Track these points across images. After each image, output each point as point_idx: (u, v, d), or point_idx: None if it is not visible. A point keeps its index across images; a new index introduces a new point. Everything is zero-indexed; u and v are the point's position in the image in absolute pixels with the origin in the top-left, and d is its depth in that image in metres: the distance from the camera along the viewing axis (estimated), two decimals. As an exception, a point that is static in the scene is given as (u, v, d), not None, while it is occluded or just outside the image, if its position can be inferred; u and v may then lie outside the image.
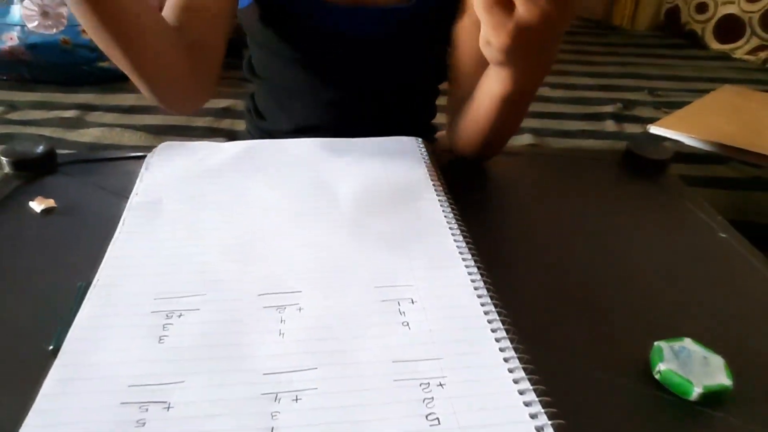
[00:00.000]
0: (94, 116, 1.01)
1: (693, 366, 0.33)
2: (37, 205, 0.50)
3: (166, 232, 0.44)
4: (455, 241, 0.42)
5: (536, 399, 0.29)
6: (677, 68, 1.42)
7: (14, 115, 1.01)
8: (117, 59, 0.48)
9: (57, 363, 0.31)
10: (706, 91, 1.24)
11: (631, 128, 1.09)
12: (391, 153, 0.56)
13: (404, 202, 0.47)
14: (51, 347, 0.33)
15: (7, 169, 0.57)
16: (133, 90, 1.11)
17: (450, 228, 0.44)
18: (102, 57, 1.13)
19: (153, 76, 0.52)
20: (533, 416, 0.28)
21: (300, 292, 0.37)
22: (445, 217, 0.45)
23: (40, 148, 0.58)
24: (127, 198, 0.49)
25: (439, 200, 0.48)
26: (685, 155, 0.98)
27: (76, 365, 0.31)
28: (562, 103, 1.19)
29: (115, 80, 1.16)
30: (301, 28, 0.59)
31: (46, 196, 0.51)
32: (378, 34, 0.59)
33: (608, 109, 1.16)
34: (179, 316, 0.35)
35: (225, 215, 0.45)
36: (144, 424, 0.27)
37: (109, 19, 0.44)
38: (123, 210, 0.47)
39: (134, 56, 0.48)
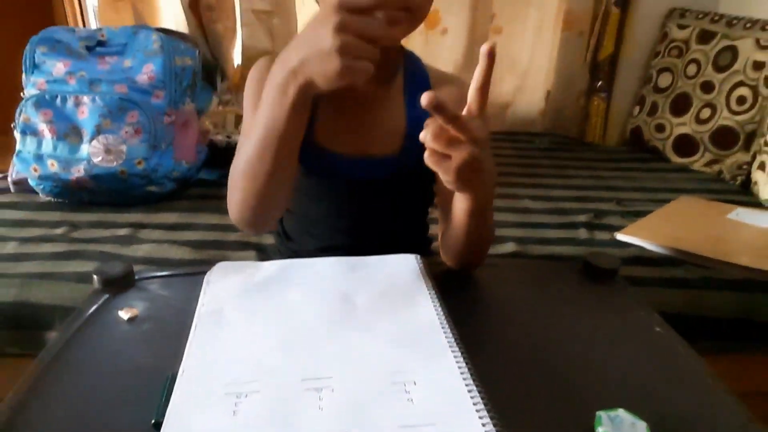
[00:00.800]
0: (143, 233, 1.19)
1: (624, 430, 0.46)
2: (124, 314, 0.66)
3: (229, 334, 0.59)
4: (446, 337, 0.57)
5: None
6: (643, 180, 1.62)
7: (76, 234, 1.18)
8: (257, 181, 0.65)
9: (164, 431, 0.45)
10: (668, 201, 1.42)
11: (601, 235, 1.25)
12: (395, 268, 0.72)
13: (406, 308, 0.62)
14: (153, 421, 0.47)
15: (96, 286, 0.73)
16: (176, 209, 1.31)
17: (442, 327, 0.59)
18: (151, 182, 1.33)
19: (267, 203, 0.68)
20: None
21: (332, 377, 0.51)
22: (438, 318, 0.60)
23: (121, 268, 0.74)
24: (193, 307, 0.64)
25: (433, 305, 0.63)
26: (645, 259, 1.13)
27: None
28: (542, 214, 1.37)
29: (159, 201, 1.36)
30: (317, 173, 0.78)
31: (129, 306, 0.67)
32: (376, 177, 0.78)
33: (581, 218, 1.33)
34: (245, 396, 0.49)
35: (272, 320, 0.60)
36: None
37: (285, 143, 0.61)
38: (191, 317, 0.62)
39: (276, 173, 0.64)
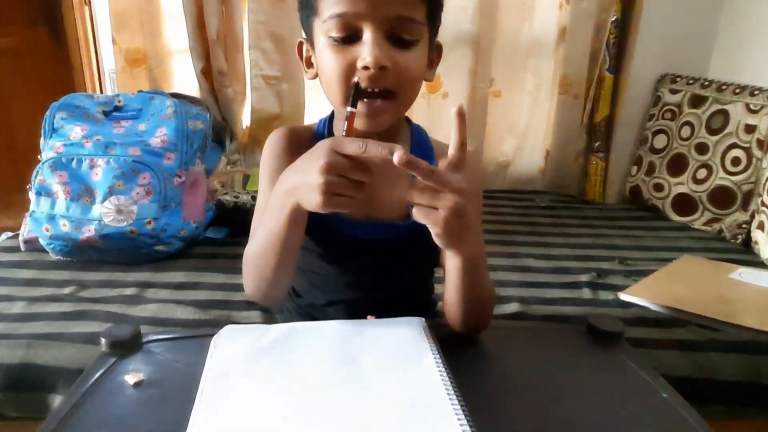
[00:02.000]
0: (150, 293, 1.20)
1: None
2: (130, 378, 0.66)
3: (235, 401, 0.59)
4: (451, 403, 0.57)
5: None
6: (643, 239, 1.64)
7: (84, 293, 1.20)
8: (264, 271, 0.74)
9: None
10: (670, 259, 1.43)
11: (605, 295, 1.26)
12: (401, 331, 0.73)
13: (411, 372, 0.63)
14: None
15: (104, 349, 0.74)
16: (182, 268, 1.33)
17: (447, 392, 0.59)
18: (159, 242, 1.36)
19: (275, 285, 0.76)
20: None
21: None
22: (443, 382, 0.61)
23: (128, 331, 0.75)
24: (199, 371, 0.65)
25: (438, 370, 0.63)
26: (649, 320, 1.13)
27: None
28: (545, 273, 1.38)
29: (167, 260, 1.38)
30: (327, 234, 0.81)
31: (135, 370, 0.68)
32: (384, 239, 0.80)
33: (584, 278, 1.34)
34: None
35: (278, 386, 0.60)
36: None
37: (290, 242, 0.69)
38: (197, 381, 0.63)
39: (281, 266, 0.72)
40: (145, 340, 0.76)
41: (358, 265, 0.83)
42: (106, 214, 1.30)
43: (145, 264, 1.33)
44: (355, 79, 0.62)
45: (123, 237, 1.31)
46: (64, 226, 1.31)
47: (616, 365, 0.72)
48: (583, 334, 0.80)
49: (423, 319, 0.75)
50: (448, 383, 0.60)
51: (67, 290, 1.19)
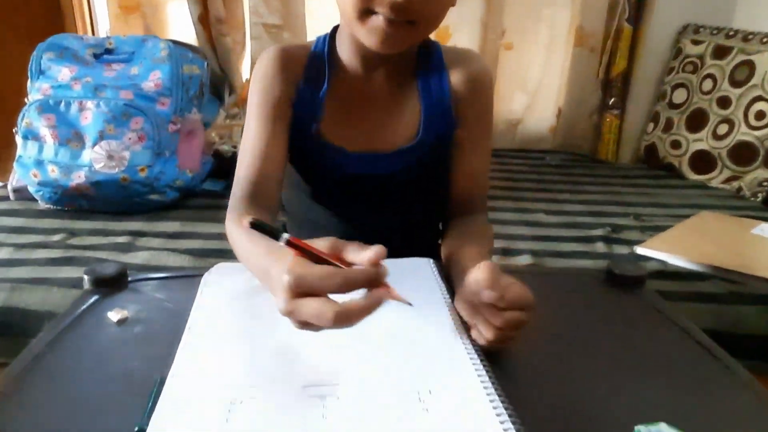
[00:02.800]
0: (142, 241, 1.15)
1: None
2: (114, 315, 0.61)
3: (225, 339, 0.54)
4: (464, 345, 0.52)
5: None
6: (659, 196, 1.57)
7: (74, 241, 1.14)
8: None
9: None
10: (686, 216, 1.37)
11: (619, 249, 1.20)
12: (408, 272, 0.67)
13: (420, 314, 0.57)
14: (136, 429, 0.42)
15: (87, 286, 0.68)
16: (177, 218, 1.27)
17: (459, 335, 0.53)
18: (153, 191, 1.30)
19: None
20: None
21: (337, 385, 0.46)
22: (454, 325, 0.55)
23: (114, 268, 0.70)
24: (187, 310, 0.60)
25: (449, 312, 0.58)
26: (668, 273, 1.07)
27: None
28: (557, 228, 1.32)
29: (161, 210, 1.32)
30: (323, 171, 0.74)
31: (120, 308, 0.62)
32: (387, 171, 0.73)
33: (598, 232, 1.28)
34: (240, 403, 0.44)
35: (273, 324, 0.55)
36: None
37: None
38: (185, 319, 0.57)
39: None
40: (131, 279, 0.70)
41: (360, 207, 0.77)
42: (96, 159, 1.23)
43: (138, 214, 1.28)
44: (250, 220, 0.44)
45: (115, 184, 1.24)
46: (53, 172, 1.25)
47: (641, 311, 0.66)
48: (603, 282, 0.74)
49: (432, 259, 0.69)
50: (460, 326, 0.54)
51: (56, 238, 1.14)
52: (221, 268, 0.71)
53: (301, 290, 0.40)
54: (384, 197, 0.76)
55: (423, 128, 0.71)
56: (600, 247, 1.21)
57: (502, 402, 0.42)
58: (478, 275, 0.51)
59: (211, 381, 0.47)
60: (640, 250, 1.16)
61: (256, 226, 0.43)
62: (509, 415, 0.41)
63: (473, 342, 0.51)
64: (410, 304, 0.42)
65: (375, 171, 0.73)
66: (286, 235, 0.43)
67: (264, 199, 0.68)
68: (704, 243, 1.18)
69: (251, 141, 0.68)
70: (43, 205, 1.32)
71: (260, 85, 0.69)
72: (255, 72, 0.70)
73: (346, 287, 0.40)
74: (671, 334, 0.61)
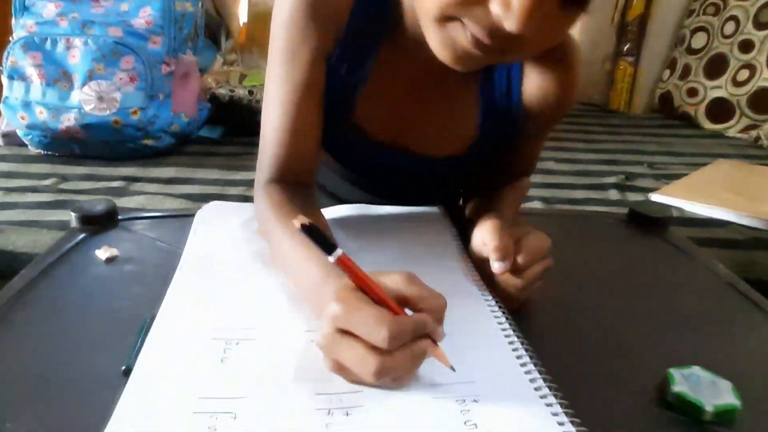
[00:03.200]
0: (137, 186, 1.10)
1: (703, 389, 0.37)
2: (102, 253, 0.57)
3: (219, 278, 0.49)
4: (478, 288, 0.48)
5: (565, 417, 0.32)
6: (674, 146, 1.51)
7: (65, 185, 1.10)
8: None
9: (133, 378, 0.36)
10: (702, 165, 1.31)
11: (633, 197, 1.15)
12: (418, 218, 0.62)
13: (431, 257, 0.52)
14: (123, 368, 0.38)
15: (74, 223, 0.64)
16: (173, 164, 1.22)
17: (472, 278, 0.49)
18: (147, 135, 1.24)
19: None
20: (561, 423, 0.31)
21: None
22: (467, 269, 0.51)
23: (103, 206, 0.66)
24: (181, 249, 0.55)
25: (460, 255, 0.53)
26: (685, 220, 1.03)
27: (150, 379, 0.35)
28: (568, 176, 1.27)
29: (157, 155, 1.26)
30: (353, 156, 0.63)
31: (108, 246, 0.58)
32: (428, 177, 0.63)
33: (611, 180, 1.23)
34: (236, 344, 0.40)
35: (270, 269, 0.50)
36: (215, 429, 0.31)
37: None
38: (178, 259, 0.53)
39: None
40: (121, 217, 0.66)
41: (381, 182, 0.68)
42: (86, 101, 1.17)
43: (132, 159, 1.22)
44: (304, 223, 0.36)
45: (106, 128, 1.19)
46: (41, 114, 1.19)
47: (668, 252, 0.62)
48: (626, 224, 0.70)
49: (441, 207, 0.64)
50: (480, 283, 0.49)
51: (47, 182, 1.09)
52: (216, 206, 0.67)
53: (346, 327, 0.33)
54: (420, 186, 0.69)
55: (480, 136, 0.57)
56: (613, 194, 1.16)
57: (522, 343, 0.39)
58: (484, 237, 0.46)
59: (205, 320, 0.43)
60: (655, 197, 1.12)
61: (309, 230, 0.35)
62: (539, 372, 0.37)
63: (494, 296, 0.47)
64: (453, 369, 0.35)
65: (413, 171, 0.62)
66: (339, 252, 0.35)
67: (300, 178, 0.55)
68: (722, 190, 1.13)
69: (279, 112, 0.52)
70: (33, 150, 1.26)
71: (288, 34, 0.50)
72: (279, 16, 0.51)
73: (391, 341, 0.32)
74: (701, 276, 0.57)
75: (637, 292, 0.53)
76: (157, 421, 0.32)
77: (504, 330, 0.41)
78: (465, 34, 0.39)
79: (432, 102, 0.55)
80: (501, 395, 0.34)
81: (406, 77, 0.53)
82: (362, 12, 0.50)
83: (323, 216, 0.54)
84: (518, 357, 0.38)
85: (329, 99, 0.53)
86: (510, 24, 0.36)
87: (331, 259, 0.35)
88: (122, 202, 1.00)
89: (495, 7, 0.36)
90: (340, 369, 0.35)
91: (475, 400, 0.34)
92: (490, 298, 0.46)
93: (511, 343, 0.40)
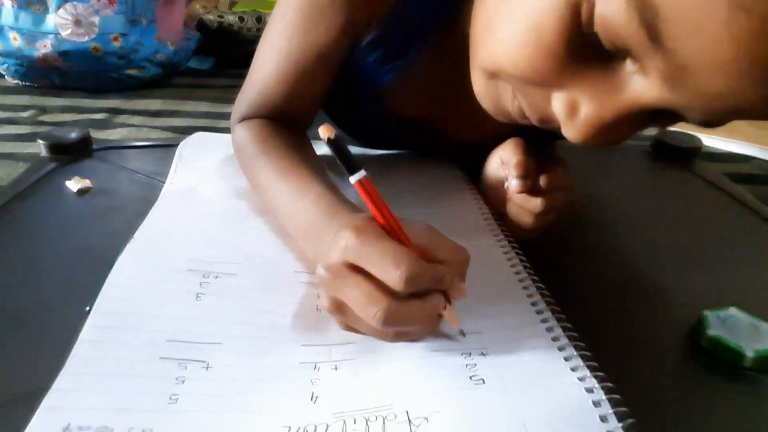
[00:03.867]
0: (121, 119, 1.04)
1: (741, 332, 0.33)
2: (73, 185, 0.52)
3: (201, 211, 0.44)
4: (484, 218, 0.43)
5: (582, 364, 0.28)
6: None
7: (45, 118, 1.03)
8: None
9: (94, 313, 0.31)
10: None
11: (649, 131, 1.08)
12: (423, 160, 0.56)
13: (441, 203, 0.47)
14: (87, 308, 0.34)
15: (44, 153, 0.58)
16: (160, 96, 1.15)
17: (484, 216, 0.44)
18: (130, 64, 1.16)
19: None
20: (581, 379, 0.27)
21: None
22: (482, 213, 0.45)
23: (76, 134, 0.60)
24: (161, 182, 0.50)
25: (472, 196, 0.48)
26: (705, 155, 0.97)
27: (113, 316, 0.31)
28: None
29: (143, 87, 1.19)
30: (370, 131, 0.55)
31: (80, 177, 0.53)
32: (460, 152, 0.55)
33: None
34: (216, 278, 0.35)
35: (258, 204, 0.44)
36: (184, 381, 0.27)
37: None
38: (157, 192, 0.48)
39: None
40: (96, 147, 0.60)
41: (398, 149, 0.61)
42: (62, 25, 1.08)
43: (116, 91, 1.15)
44: (330, 136, 0.29)
45: (86, 56, 1.10)
46: (15, 41, 1.10)
47: (698, 187, 0.57)
48: (651, 155, 0.64)
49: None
50: (487, 210, 0.44)
51: (25, 114, 1.03)
52: (201, 138, 0.61)
53: (357, 261, 0.28)
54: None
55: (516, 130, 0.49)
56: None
57: (547, 302, 0.33)
58: (503, 155, 0.40)
59: (181, 251, 0.38)
60: (672, 130, 1.05)
61: (335, 144, 0.28)
62: (557, 319, 0.32)
63: (504, 230, 0.41)
64: (463, 334, 0.29)
65: (438, 151, 0.55)
66: (363, 173, 0.29)
67: (294, 118, 0.48)
68: (744, 123, 1.06)
69: (279, 60, 0.45)
70: (10, 80, 1.19)
71: None
72: None
73: (408, 281, 0.27)
74: (734, 212, 0.52)
75: (666, 229, 0.48)
76: (120, 364, 0.28)
77: (517, 273, 0.36)
78: (512, 102, 0.31)
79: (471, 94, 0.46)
80: (512, 347, 0.30)
81: (450, 69, 0.44)
82: (413, 3, 0.42)
83: (316, 156, 0.47)
84: (533, 303, 0.33)
85: (353, 76, 0.46)
86: (569, 132, 0.28)
87: (353, 179, 0.29)
88: (104, 135, 0.94)
89: (557, 105, 0.28)
90: (339, 310, 0.30)
91: (482, 353, 0.29)
92: (502, 236, 0.41)
93: (525, 288, 0.35)
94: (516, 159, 0.39)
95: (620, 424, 0.24)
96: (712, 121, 0.25)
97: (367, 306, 0.28)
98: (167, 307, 0.32)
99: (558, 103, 0.27)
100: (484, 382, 0.27)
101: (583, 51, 0.25)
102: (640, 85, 0.24)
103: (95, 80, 1.15)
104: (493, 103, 0.34)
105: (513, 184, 0.39)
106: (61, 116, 1.03)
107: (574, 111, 0.27)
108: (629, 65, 0.25)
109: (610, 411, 0.25)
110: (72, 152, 0.58)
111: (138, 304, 0.32)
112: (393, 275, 0.27)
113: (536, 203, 0.39)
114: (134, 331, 0.30)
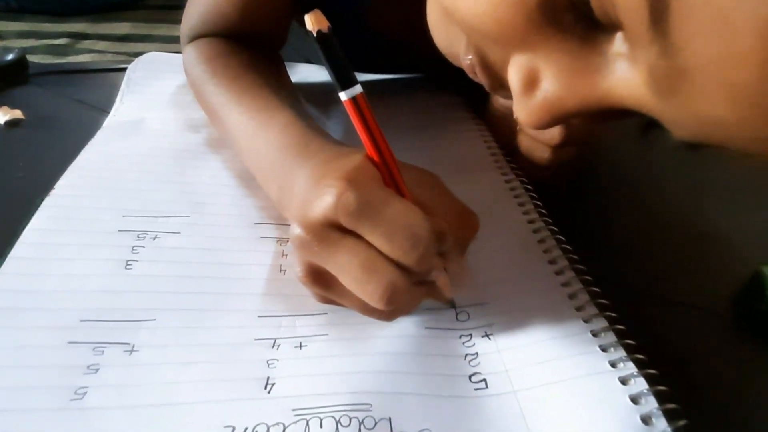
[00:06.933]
0: (85, 44, 0.93)
1: None
2: (2, 115, 0.44)
3: (145, 149, 0.36)
4: (502, 174, 0.35)
5: (614, 340, 0.21)
6: None
7: (1, 44, 0.93)
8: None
9: (1, 276, 0.25)
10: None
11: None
12: (421, 87, 0.48)
13: (443, 136, 0.40)
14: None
15: (-29, 77, 0.50)
16: (129, 19, 1.04)
17: (493, 155, 0.37)
18: (93, -18, 1.04)
19: None
20: (614, 364, 0.20)
21: None
22: (489, 148, 0.38)
23: (10, 56, 0.51)
24: (105, 112, 0.42)
25: (480, 133, 0.41)
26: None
27: (14, 290, 0.24)
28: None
29: (109, 10, 1.07)
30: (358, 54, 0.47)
31: (13, 107, 0.45)
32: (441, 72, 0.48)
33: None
34: (153, 239, 0.28)
35: (219, 137, 0.38)
36: (97, 370, 0.21)
37: None
38: (99, 124, 0.40)
39: None
40: (33, 71, 0.52)
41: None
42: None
43: (79, 15, 1.04)
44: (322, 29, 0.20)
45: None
46: (-41, -45, 0.98)
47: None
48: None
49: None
50: (494, 145, 0.37)
51: (-22, 41, 0.93)
52: (153, 59, 0.52)
53: (356, 222, 0.21)
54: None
55: None
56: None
57: (569, 259, 0.26)
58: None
59: (112, 204, 0.30)
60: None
61: (325, 41, 0.21)
62: (583, 284, 0.25)
63: (514, 168, 0.34)
64: (453, 305, 0.22)
65: (434, 71, 0.47)
66: (359, 88, 0.21)
67: (257, 36, 0.41)
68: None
69: None
70: (-39, 3, 1.07)
71: None
72: None
73: (424, 257, 0.20)
74: None
75: (713, 162, 0.41)
76: (15, 354, 0.21)
77: (531, 222, 0.29)
78: (464, 54, 0.24)
79: None
80: (525, 325, 0.23)
81: None
82: None
83: (290, 81, 0.39)
84: (551, 262, 0.26)
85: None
86: (520, 112, 0.21)
87: (345, 95, 0.20)
88: (65, 61, 0.84)
89: (513, 74, 0.20)
90: (318, 281, 0.22)
91: (486, 335, 0.23)
92: (512, 175, 0.34)
93: (541, 241, 0.28)
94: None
95: (669, 428, 0.18)
96: (695, 143, 0.18)
97: (366, 281, 0.21)
98: (85, 279, 0.25)
99: (515, 70, 0.20)
100: (486, 385, 0.20)
101: (564, 13, 0.18)
102: (623, 74, 0.17)
103: (56, 2, 1.04)
104: (446, 45, 0.26)
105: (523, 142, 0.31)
106: (19, 42, 0.93)
107: (532, 85, 0.20)
108: (618, 44, 0.17)
109: (656, 408, 0.19)
110: (4, 77, 0.49)
111: (48, 277, 0.25)
112: (407, 250, 0.20)
113: (552, 133, 0.31)
114: (37, 312, 0.23)
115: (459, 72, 0.39)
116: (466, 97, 0.45)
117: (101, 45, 0.92)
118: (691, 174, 0.38)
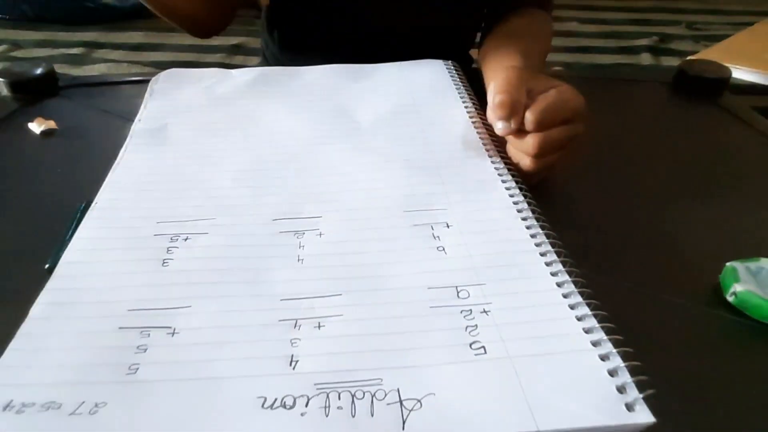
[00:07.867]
0: (100, 53, 0.97)
1: None
2: (36, 126, 0.47)
3: (171, 158, 0.40)
4: (493, 163, 0.38)
5: (597, 325, 0.24)
6: (717, 2, 1.32)
7: (18, 53, 0.97)
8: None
9: (49, 285, 0.28)
10: (750, 24, 1.15)
11: (669, 61, 1.01)
12: (417, 76, 0.51)
13: (433, 126, 0.42)
14: (47, 266, 0.30)
15: (5, 92, 0.53)
16: (141, 28, 1.07)
17: (486, 149, 0.39)
18: (106, -8, 1.07)
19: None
20: (595, 344, 0.24)
21: (320, 217, 0.33)
22: (480, 139, 0.41)
23: (40, 70, 0.54)
24: (131, 121, 0.46)
25: (472, 122, 0.43)
26: (732, 86, 0.91)
27: (70, 288, 0.28)
28: (594, 38, 1.11)
29: (122, 19, 1.11)
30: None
31: (47, 117, 0.48)
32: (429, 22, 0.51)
33: (644, 42, 1.08)
34: (185, 240, 0.31)
35: (235, 142, 0.40)
36: (146, 349, 0.24)
37: None
38: (126, 134, 0.44)
39: None
40: (63, 84, 0.55)
41: (367, 19, 0.55)
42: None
43: (93, 24, 1.07)
44: None
45: (58, -17, 1.02)
46: (-21, -32, 1.02)
47: (725, 123, 0.51)
48: (673, 87, 0.58)
49: (449, 60, 0.52)
50: (486, 138, 0.39)
51: (-3, 49, 0.96)
52: (173, 74, 0.55)
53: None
54: (425, 38, 0.55)
55: None
56: (645, 58, 1.02)
57: (557, 252, 0.29)
58: (490, 90, 0.35)
59: (147, 212, 0.34)
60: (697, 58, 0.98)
61: None
62: (555, 250, 0.28)
63: (501, 152, 0.37)
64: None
65: (417, 20, 0.51)
66: None
67: None
68: (771, 52, 0.99)
69: None
70: (-20, 13, 1.10)
71: None
72: None
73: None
74: (765, 149, 0.47)
75: (689, 169, 0.44)
76: (72, 339, 0.25)
77: (524, 219, 0.32)
78: None
79: None
80: (517, 301, 0.26)
81: None
82: None
83: None
84: (537, 245, 0.30)
85: None
86: None
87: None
88: (82, 71, 0.88)
89: None
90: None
91: (484, 311, 0.26)
92: (502, 165, 0.37)
93: (528, 228, 0.31)
94: (497, 99, 0.34)
95: (640, 395, 0.21)
96: None
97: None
98: (130, 276, 0.28)
99: None
100: (485, 351, 0.24)
101: None
102: None
103: (71, 11, 1.08)
104: None
105: (497, 127, 0.34)
106: (35, 51, 0.96)
107: None
108: None
109: (629, 380, 0.22)
110: (35, 90, 0.53)
111: (98, 275, 0.28)
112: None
113: (527, 144, 0.34)
114: (92, 304, 0.27)
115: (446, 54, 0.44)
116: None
117: (115, 54, 0.96)
118: (664, 179, 0.41)
